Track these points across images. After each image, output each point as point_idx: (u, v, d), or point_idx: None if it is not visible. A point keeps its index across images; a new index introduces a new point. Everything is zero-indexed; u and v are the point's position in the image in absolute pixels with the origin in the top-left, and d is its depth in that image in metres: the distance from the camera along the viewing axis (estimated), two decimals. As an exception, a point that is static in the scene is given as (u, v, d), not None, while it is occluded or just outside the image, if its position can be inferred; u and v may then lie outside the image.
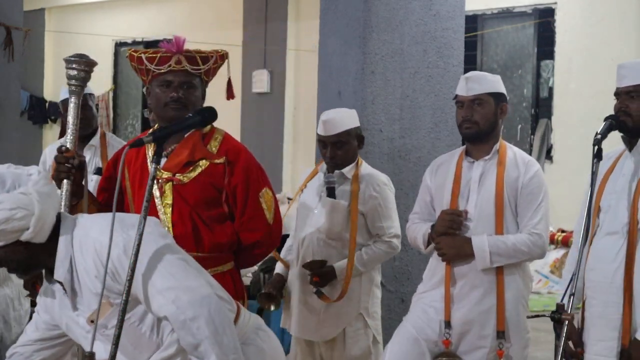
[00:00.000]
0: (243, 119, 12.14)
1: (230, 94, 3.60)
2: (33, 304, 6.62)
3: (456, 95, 3.98)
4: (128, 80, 13.88)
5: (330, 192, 4.38)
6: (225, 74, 3.54)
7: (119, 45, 13.89)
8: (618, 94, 3.58)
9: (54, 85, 13.93)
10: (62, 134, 5.01)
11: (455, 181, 3.96)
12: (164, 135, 2.70)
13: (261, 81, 12.03)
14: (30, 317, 6.79)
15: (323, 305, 4.41)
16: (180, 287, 2.60)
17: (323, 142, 4.45)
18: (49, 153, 5.36)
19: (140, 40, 13.50)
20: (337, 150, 4.42)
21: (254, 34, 12.09)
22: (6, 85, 7.83)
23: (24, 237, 2.61)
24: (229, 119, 11.18)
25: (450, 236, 3.83)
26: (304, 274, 4.42)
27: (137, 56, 3.38)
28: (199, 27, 12.41)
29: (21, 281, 6.65)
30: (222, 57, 3.45)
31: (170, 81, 3.32)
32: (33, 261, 2.67)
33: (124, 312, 2.59)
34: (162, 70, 3.31)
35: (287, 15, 11.86)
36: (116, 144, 5.15)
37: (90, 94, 5.09)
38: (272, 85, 12.03)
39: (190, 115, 2.86)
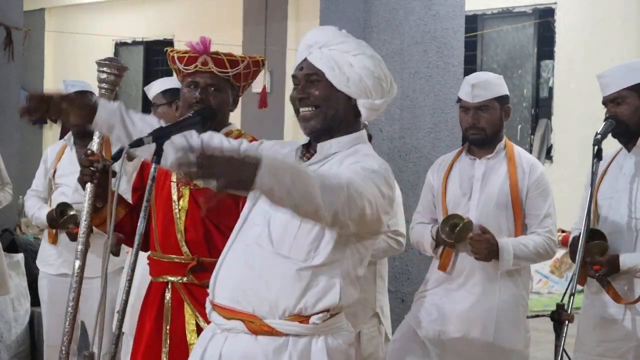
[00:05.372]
0: (243, 119, 12.13)
1: (262, 102, 3.53)
2: (33, 304, 6.63)
3: (460, 99, 3.97)
4: (128, 80, 13.87)
5: None
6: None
7: (119, 45, 13.89)
8: (605, 103, 3.61)
9: (54, 85, 13.91)
10: (63, 132, 5.02)
11: (444, 177, 3.99)
12: (163, 135, 2.70)
13: (261, 81, 12.04)
14: (31, 317, 6.81)
15: None
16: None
17: None
18: (50, 152, 5.38)
19: (140, 40, 13.49)
20: None
21: (254, 34, 12.08)
22: (6, 85, 7.82)
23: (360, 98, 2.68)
24: (229, 119, 11.17)
25: (485, 237, 3.81)
26: None
27: (171, 55, 3.38)
28: (198, 27, 12.40)
29: (21, 281, 6.65)
30: (257, 62, 3.37)
31: (197, 82, 3.29)
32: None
33: (123, 312, 2.59)
34: (190, 70, 3.29)
35: (287, 15, 11.86)
36: None
37: (91, 92, 5.09)
38: (272, 85, 12.03)
39: (190, 115, 2.86)
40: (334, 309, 2.60)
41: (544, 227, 3.90)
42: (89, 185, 3.01)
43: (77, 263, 2.98)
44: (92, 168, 2.98)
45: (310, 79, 2.67)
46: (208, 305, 2.69)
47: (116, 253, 3.42)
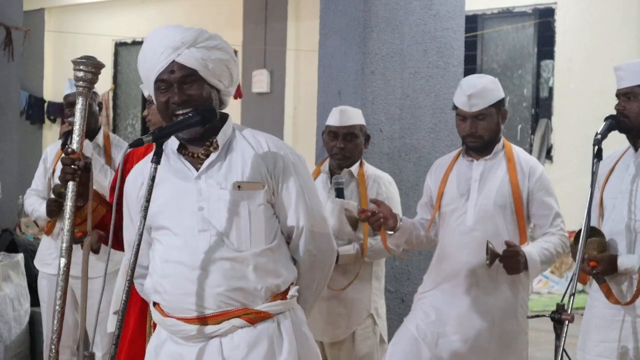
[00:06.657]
0: (243, 119, 12.14)
1: (237, 93, 3.58)
2: (32, 304, 6.63)
3: (455, 106, 3.95)
4: (128, 80, 13.89)
5: (340, 193, 4.38)
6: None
7: (119, 45, 13.89)
8: (617, 95, 3.59)
9: (54, 85, 13.93)
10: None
11: (443, 179, 3.99)
12: (163, 135, 2.71)
13: (261, 81, 12.03)
14: (30, 317, 6.80)
15: (333, 307, 4.41)
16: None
17: (334, 133, 4.46)
18: (50, 152, 5.40)
19: (140, 40, 13.48)
20: (348, 143, 4.44)
21: (254, 34, 12.08)
22: (6, 85, 7.82)
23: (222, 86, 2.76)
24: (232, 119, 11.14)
25: (516, 251, 3.79)
26: None
27: None
28: (198, 27, 12.39)
29: (21, 281, 6.65)
30: None
31: None
32: (213, 112, 2.74)
33: (123, 312, 2.59)
34: None
35: (287, 15, 11.86)
36: (122, 144, 5.20)
37: (94, 93, 5.10)
38: (272, 85, 12.03)
39: (190, 115, 2.86)
40: (295, 280, 2.82)
41: (555, 226, 3.93)
42: (70, 184, 3.01)
43: (63, 261, 2.98)
44: (73, 166, 2.99)
45: (186, 80, 2.71)
46: (191, 328, 2.69)
47: (96, 251, 3.42)
